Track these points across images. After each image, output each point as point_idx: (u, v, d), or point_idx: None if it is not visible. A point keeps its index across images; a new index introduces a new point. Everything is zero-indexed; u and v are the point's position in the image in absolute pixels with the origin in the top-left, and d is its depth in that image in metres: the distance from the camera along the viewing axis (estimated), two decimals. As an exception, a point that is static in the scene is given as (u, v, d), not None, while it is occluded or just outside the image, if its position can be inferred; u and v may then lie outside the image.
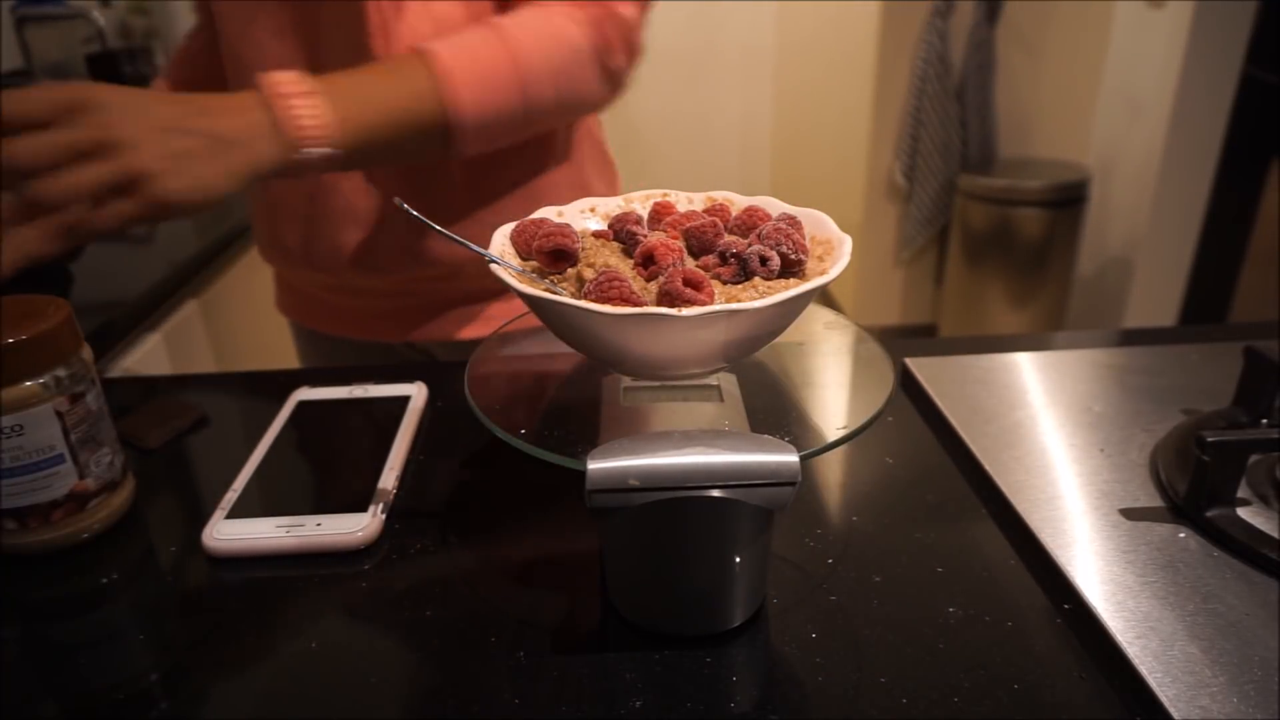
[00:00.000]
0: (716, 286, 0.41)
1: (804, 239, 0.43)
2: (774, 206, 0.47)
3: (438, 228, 0.42)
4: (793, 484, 0.38)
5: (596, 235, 0.47)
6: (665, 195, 0.51)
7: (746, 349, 0.42)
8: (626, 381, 0.46)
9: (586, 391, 0.47)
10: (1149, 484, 0.53)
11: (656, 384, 0.46)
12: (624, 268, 0.42)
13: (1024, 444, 0.57)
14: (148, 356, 1.03)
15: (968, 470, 0.56)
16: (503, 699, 0.40)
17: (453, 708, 0.39)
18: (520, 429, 0.43)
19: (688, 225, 0.45)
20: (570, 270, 0.44)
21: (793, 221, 0.43)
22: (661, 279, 0.40)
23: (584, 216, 0.50)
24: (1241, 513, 0.49)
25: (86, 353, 0.51)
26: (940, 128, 2.61)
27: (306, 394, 0.65)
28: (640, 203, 0.51)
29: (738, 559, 0.41)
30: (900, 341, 0.73)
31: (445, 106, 0.65)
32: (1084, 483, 0.53)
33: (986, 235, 2.51)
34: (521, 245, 0.45)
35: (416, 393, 0.64)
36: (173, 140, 0.53)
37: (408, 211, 0.41)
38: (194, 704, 0.40)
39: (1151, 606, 0.43)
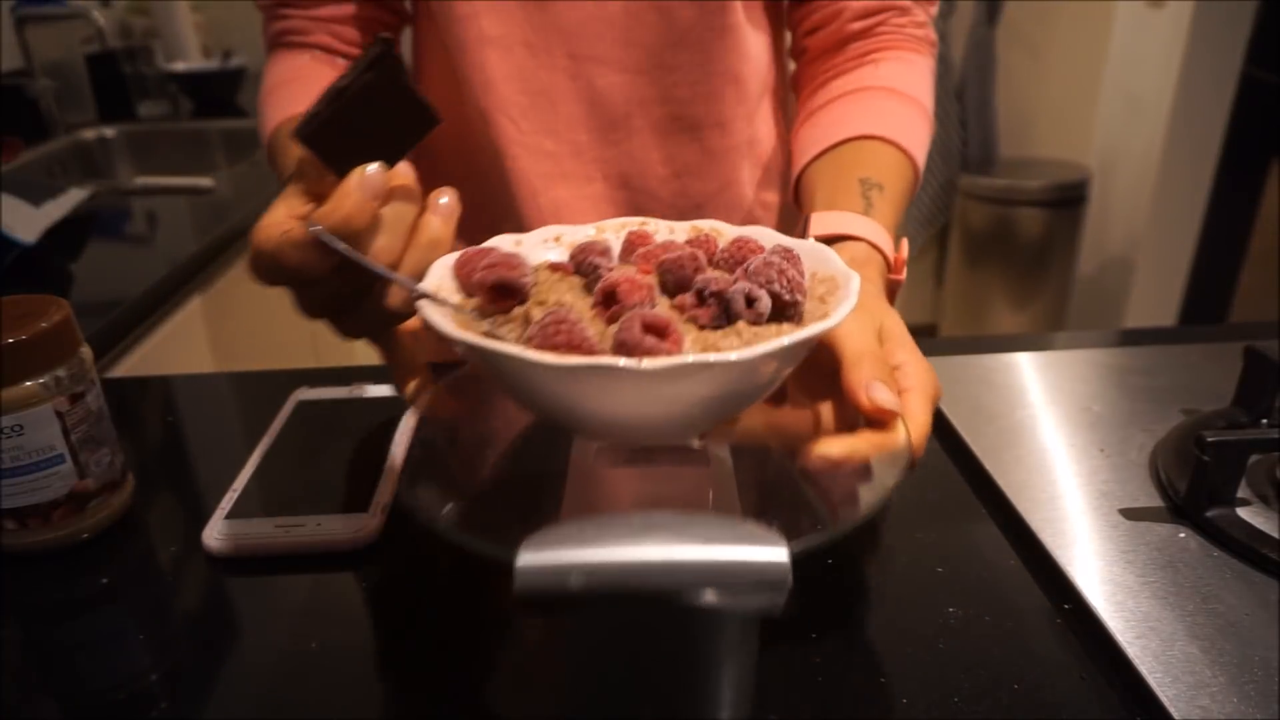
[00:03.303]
0: (690, 332, 0.35)
1: (802, 276, 0.37)
2: (767, 238, 0.41)
3: (354, 254, 0.37)
4: (782, 587, 0.30)
5: (553, 268, 0.40)
6: (643, 224, 0.44)
7: (728, 409, 0.36)
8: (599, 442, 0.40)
9: (553, 451, 0.41)
10: (1149, 484, 0.53)
11: (632, 446, 0.40)
12: (582, 307, 0.36)
13: (1024, 444, 0.57)
14: (148, 356, 1.03)
15: (968, 470, 0.56)
16: (503, 699, 0.40)
17: (452, 708, 0.39)
18: (461, 499, 0.38)
19: (663, 257, 0.38)
20: (517, 310, 0.37)
21: (788, 255, 0.37)
22: (619, 325, 0.33)
23: (545, 247, 0.43)
24: (1241, 513, 0.48)
25: (86, 353, 0.51)
26: (940, 127, 2.60)
27: (306, 394, 0.65)
28: (614, 232, 0.44)
29: (711, 677, 0.32)
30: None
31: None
32: (1084, 483, 0.53)
33: (987, 235, 2.51)
34: (464, 278, 0.39)
35: (416, 393, 0.64)
36: None
37: (324, 238, 0.36)
38: (194, 704, 0.40)
39: (1151, 606, 0.43)
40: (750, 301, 0.35)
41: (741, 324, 0.35)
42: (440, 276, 0.39)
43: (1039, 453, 0.56)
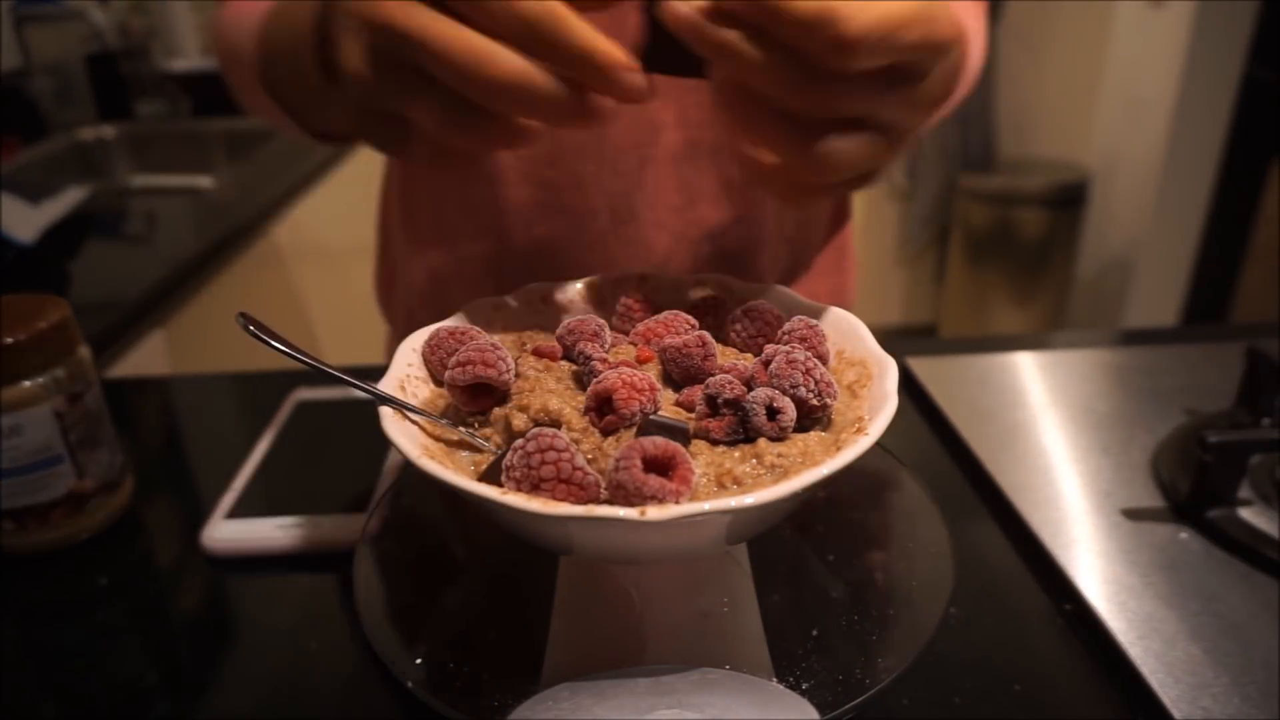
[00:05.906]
0: (702, 452, 0.30)
1: (828, 366, 0.32)
2: (784, 300, 0.37)
3: (285, 349, 0.33)
4: None
5: (538, 355, 0.36)
6: (641, 280, 0.41)
7: (743, 537, 0.33)
8: None
9: (540, 553, 0.36)
10: (1150, 484, 0.53)
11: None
12: (572, 410, 0.32)
13: (1024, 444, 0.57)
14: (148, 356, 1.03)
15: (968, 470, 0.56)
16: (503, 699, 0.40)
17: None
18: (432, 626, 0.35)
19: (666, 341, 0.34)
20: (498, 411, 0.33)
21: (812, 334, 0.33)
22: (616, 458, 0.28)
23: (531, 311, 0.40)
24: (1243, 513, 0.48)
25: (85, 353, 0.51)
26: (941, 127, 2.60)
27: (306, 394, 0.65)
28: (608, 291, 0.41)
29: None
30: (901, 341, 0.73)
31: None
32: (1085, 483, 0.53)
33: (987, 235, 2.51)
34: (435, 364, 0.34)
35: (416, 393, 0.64)
36: None
37: (253, 331, 0.33)
38: (194, 704, 0.40)
39: (1153, 607, 0.43)
40: (773, 413, 0.30)
41: (763, 441, 0.30)
42: (407, 363, 0.34)
43: (1039, 453, 0.56)
